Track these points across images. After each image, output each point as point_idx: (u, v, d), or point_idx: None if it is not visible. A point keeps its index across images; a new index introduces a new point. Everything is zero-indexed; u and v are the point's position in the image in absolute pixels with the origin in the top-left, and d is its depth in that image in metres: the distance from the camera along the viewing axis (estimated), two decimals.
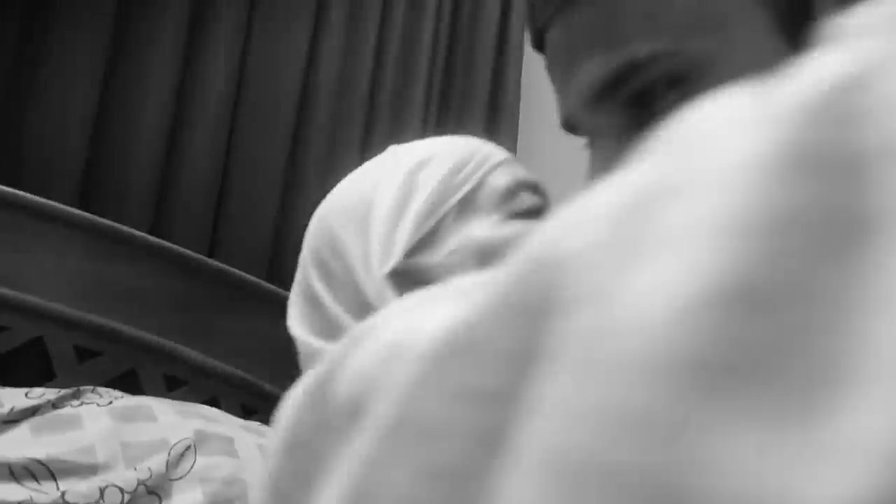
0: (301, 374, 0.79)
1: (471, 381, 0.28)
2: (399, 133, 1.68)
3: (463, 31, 1.78)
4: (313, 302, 0.67)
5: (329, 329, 0.66)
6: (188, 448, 1.18)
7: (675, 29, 0.44)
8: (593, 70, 0.47)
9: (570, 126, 0.51)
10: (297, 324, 0.69)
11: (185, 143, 1.52)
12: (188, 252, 1.46)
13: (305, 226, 1.59)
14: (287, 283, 1.60)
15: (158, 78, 1.48)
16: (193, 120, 1.51)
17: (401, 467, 0.30)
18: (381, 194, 0.66)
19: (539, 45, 0.53)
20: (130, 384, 1.40)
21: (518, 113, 1.81)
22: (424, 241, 0.64)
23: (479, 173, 0.67)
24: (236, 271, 1.50)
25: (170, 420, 1.22)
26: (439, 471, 0.29)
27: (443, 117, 1.73)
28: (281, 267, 1.60)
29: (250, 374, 1.52)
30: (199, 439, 1.21)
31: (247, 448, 1.26)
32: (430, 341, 0.30)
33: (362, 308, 0.64)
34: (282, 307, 1.55)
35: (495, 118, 1.76)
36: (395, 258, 0.64)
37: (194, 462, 1.18)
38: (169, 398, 1.41)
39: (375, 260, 0.64)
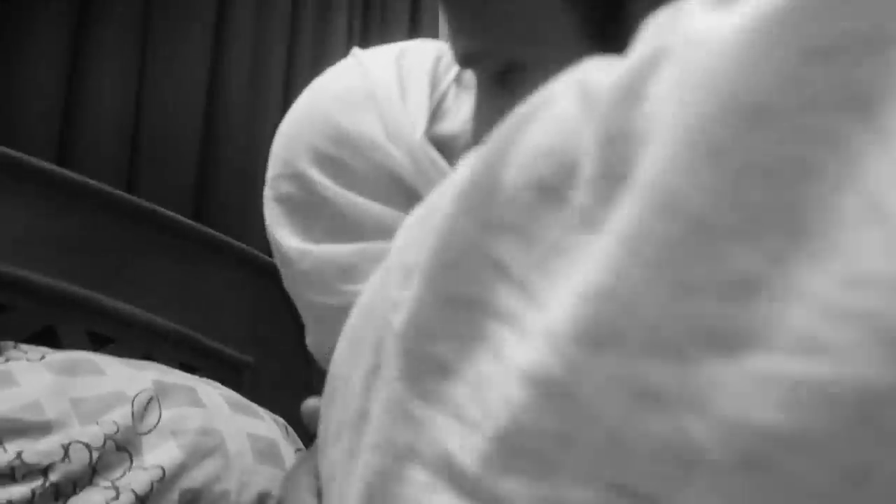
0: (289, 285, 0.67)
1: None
2: (322, 53, 1.54)
3: None
4: (312, 204, 0.63)
5: (339, 227, 0.62)
6: (151, 399, 1.00)
7: (495, 32, 0.50)
8: (453, 45, 0.52)
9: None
10: (287, 235, 0.64)
11: (91, 69, 1.30)
12: (105, 187, 1.26)
13: (232, 157, 1.41)
14: (216, 221, 1.41)
15: None
16: (99, 42, 1.30)
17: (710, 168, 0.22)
18: (375, 76, 0.64)
19: None
20: (47, 345, 1.17)
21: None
22: (436, 112, 0.64)
23: None
24: (164, 210, 1.31)
25: (121, 372, 1.04)
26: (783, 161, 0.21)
27: (365, 36, 1.60)
28: (208, 204, 1.41)
29: (186, 326, 1.33)
30: (161, 390, 1.03)
31: (210, 397, 1.10)
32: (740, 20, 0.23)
33: (389, 184, 0.61)
34: (215, 249, 1.37)
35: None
36: (422, 125, 0.62)
37: (160, 415, 1.00)
38: None
39: (404, 129, 0.61)
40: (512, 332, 0.27)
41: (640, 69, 0.26)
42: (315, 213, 0.62)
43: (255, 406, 1.18)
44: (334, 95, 0.64)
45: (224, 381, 1.26)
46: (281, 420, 1.22)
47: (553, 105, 0.29)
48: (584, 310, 0.24)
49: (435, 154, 0.60)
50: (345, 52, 1.60)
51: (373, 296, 0.36)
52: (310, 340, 0.67)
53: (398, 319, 0.31)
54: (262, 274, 1.43)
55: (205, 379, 1.19)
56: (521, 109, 0.30)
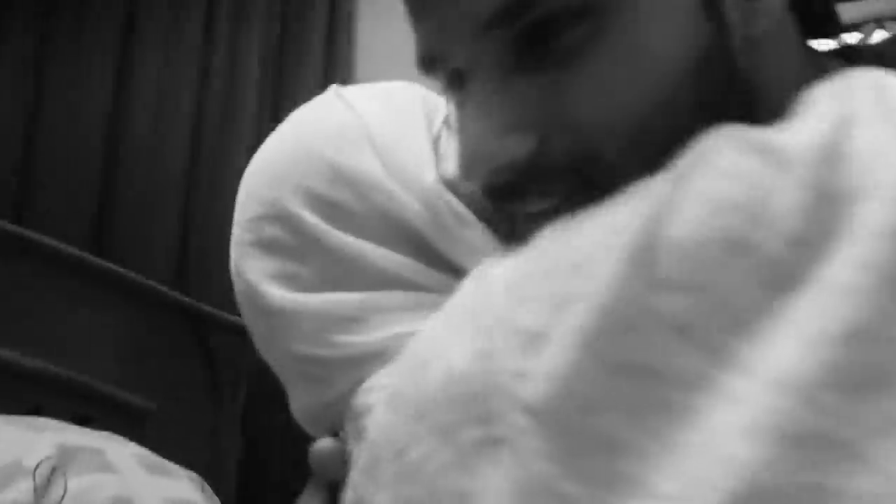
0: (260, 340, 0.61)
1: None
2: (235, 64, 1.44)
3: None
4: (303, 249, 0.57)
5: (334, 273, 0.56)
6: (54, 470, 0.87)
7: None
8: (465, 16, 0.42)
9: (432, 63, 0.45)
10: (269, 283, 0.58)
11: None
12: None
13: (137, 182, 1.28)
14: (116, 254, 1.28)
15: None
16: None
17: None
18: (367, 114, 0.59)
19: None
20: None
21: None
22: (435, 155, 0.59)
23: (443, 101, 0.63)
24: (50, 241, 1.17)
25: (15, 437, 0.90)
26: None
27: (281, 51, 1.51)
28: (107, 235, 1.27)
29: (78, 372, 1.19)
30: (65, 456, 0.90)
31: (122, 459, 0.97)
32: None
33: (391, 227, 0.56)
34: (114, 285, 1.24)
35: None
36: (431, 167, 0.57)
37: (66, 486, 0.87)
38: None
39: (409, 170, 0.57)
40: (708, 397, 0.26)
41: (832, 131, 0.27)
42: (307, 258, 0.57)
43: (168, 464, 1.06)
44: (324, 132, 0.59)
45: (123, 431, 1.14)
46: (196, 476, 1.11)
47: (715, 160, 0.28)
48: (838, 355, 0.23)
49: (450, 196, 0.56)
50: (258, 72, 1.51)
51: (458, 361, 0.33)
52: (296, 405, 0.60)
53: (534, 391, 0.29)
54: (165, 311, 1.30)
55: (113, 436, 1.06)
56: (673, 166, 0.30)
